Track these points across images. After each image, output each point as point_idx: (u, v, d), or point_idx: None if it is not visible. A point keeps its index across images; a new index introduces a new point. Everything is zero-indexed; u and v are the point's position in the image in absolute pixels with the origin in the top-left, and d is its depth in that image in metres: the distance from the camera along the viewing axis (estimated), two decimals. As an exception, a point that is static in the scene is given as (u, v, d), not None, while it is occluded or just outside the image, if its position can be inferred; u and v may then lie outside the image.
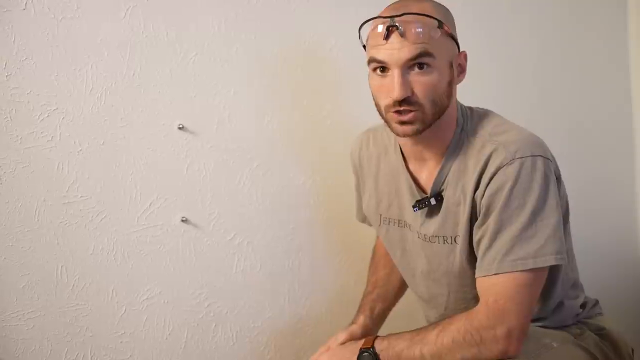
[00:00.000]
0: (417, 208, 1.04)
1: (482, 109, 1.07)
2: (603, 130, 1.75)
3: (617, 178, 1.83)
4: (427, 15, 0.95)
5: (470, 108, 1.06)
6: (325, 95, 1.37)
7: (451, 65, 0.98)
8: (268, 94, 1.32)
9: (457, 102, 1.04)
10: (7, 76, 1.11)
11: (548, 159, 0.97)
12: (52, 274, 1.15)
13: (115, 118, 1.18)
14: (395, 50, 0.94)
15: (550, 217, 0.94)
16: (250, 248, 1.31)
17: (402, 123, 0.96)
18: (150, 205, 1.22)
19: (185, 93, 1.24)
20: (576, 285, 1.12)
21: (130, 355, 1.21)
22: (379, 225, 1.15)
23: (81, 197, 1.16)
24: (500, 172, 0.94)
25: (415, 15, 0.94)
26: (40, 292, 1.14)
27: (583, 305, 1.12)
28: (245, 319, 1.31)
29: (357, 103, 1.39)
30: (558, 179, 1.00)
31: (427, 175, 1.05)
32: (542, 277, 0.95)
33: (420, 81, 0.95)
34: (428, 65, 0.95)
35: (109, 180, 1.18)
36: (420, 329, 0.99)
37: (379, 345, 0.99)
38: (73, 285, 1.16)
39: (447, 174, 1.01)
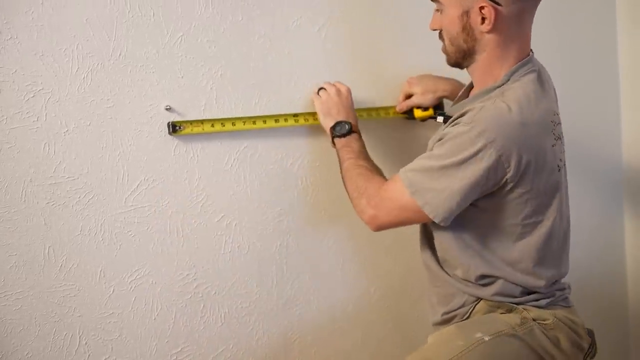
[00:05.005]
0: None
1: (534, 81, 1.12)
2: (592, 133, 1.77)
3: (605, 180, 1.85)
4: None
5: (533, 74, 1.13)
6: (314, 75, 1.37)
7: (466, 14, 1.12)
8: (255, 76, 1.32)
9: (519, 68, 1.12)
10: (-9, 55, 1.09)
11: (497, 149, 1.05)
12: (40, 255, 1.14)
13: (102, 99, 1.18)
14: None
15: (453, 182, 1.06)
16: (238, 230, 1.31)
17: None
18: (137, 186, 1.22)
19: (172, 74, 1.23)
20: (518, 270, 1.14)
21: (119, 336, 1.21)
22: None
23: (68, 177, 1.16)
24: (458, 125, 1.09)
25: None
26: (28, 272, 1.13)
27: (529, 292, 1.15)
28: (234, 300, 1.31)
29: (347, 83, 1.39)
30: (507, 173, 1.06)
31: None
32: (420, 212, 1.09)
33: (438, 20, 1.17)
34: (441, 9, 1.16)
35: (96, 161, 1.18)
36: (367, 158, 1.24)
37: (339, 143, 1.26)
38: (61, 265, 1.15)
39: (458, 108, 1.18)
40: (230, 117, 1.27)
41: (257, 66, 1.31)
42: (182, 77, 1.24)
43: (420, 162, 1.11)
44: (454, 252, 1.17)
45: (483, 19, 1.10)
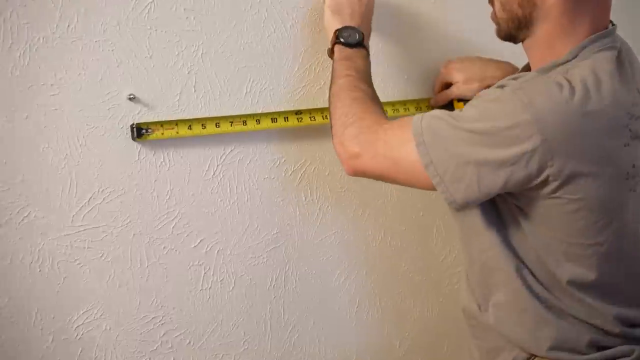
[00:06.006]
0: None
1: (611, 61, 0.96)
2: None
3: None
4: None
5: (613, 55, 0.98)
6: (324, 59, 1.22)
7: None
8: (247, 57, 1.17)
9: (592, 42, 0.97)
10: None
11: (541, 132, 0.91)
12: (-46, 291, 0.98)
13: (44, 84, 1.03)
14: None
15: (474, 152, 0.93)
16: (222, 258, 1.18)
17: None
18: (90, 200, 1.07)
19: (138, 53, 1.08)
20: (575, 299, 1.01)
21: (58, 402, 1.06)
22: None
23: (-5, 188, 1.02)
24: (503, 87, 0.96)
25: None
26: (-63, 314, 0.98)
27: (599, 346, 1.01)
28: (214, 352, 1.18)
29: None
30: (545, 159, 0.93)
31: None
32: (417, 173, 0.96)
33: None
34: None
35: (35, 167, 1.04)
36: (369, 83, 1.10)
37: (340, 53, 1.11)
38: (-18, 306, 1.00)
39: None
40: (213, 116, 1.12)
41: (249, 44, 1.17)
42: (151, 56, 1.09)
43: (444, 113, 0.98)
44: (495, 258, 1.02)
45: None
